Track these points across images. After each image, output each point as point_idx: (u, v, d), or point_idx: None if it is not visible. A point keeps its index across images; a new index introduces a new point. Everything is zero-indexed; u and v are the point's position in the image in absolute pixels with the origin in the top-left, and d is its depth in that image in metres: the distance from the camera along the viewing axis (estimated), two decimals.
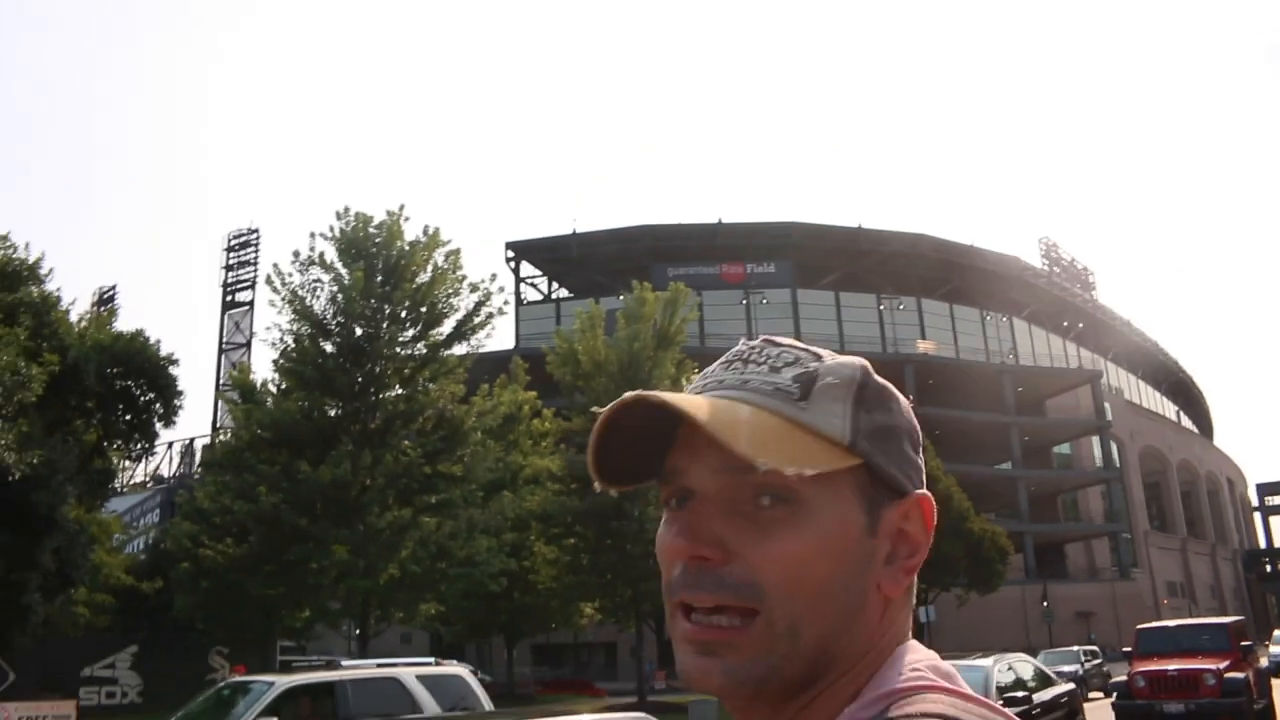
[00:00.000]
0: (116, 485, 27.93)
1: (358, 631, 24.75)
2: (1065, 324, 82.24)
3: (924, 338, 71.18)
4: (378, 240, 25.02)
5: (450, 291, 25.01)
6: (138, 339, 24.08)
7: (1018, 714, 12.15)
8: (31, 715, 16.08)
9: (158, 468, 60.58)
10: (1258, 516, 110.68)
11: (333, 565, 23.68)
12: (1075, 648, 35.04)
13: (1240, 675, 17.05)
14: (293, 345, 24.75)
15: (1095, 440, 73.94)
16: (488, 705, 12.12)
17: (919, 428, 0.89)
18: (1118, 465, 69.50)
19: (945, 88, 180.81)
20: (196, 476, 49.10)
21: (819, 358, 0.85)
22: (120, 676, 28.63)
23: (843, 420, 0.81)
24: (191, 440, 60.38)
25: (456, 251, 25.19)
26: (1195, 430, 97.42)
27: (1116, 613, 62.62)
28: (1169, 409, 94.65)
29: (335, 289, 24.95)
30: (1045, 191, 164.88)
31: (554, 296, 73.20)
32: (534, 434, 34.08)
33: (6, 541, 15.72)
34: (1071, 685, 15.46)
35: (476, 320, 25.42)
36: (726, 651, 0.78)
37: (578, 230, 70.07)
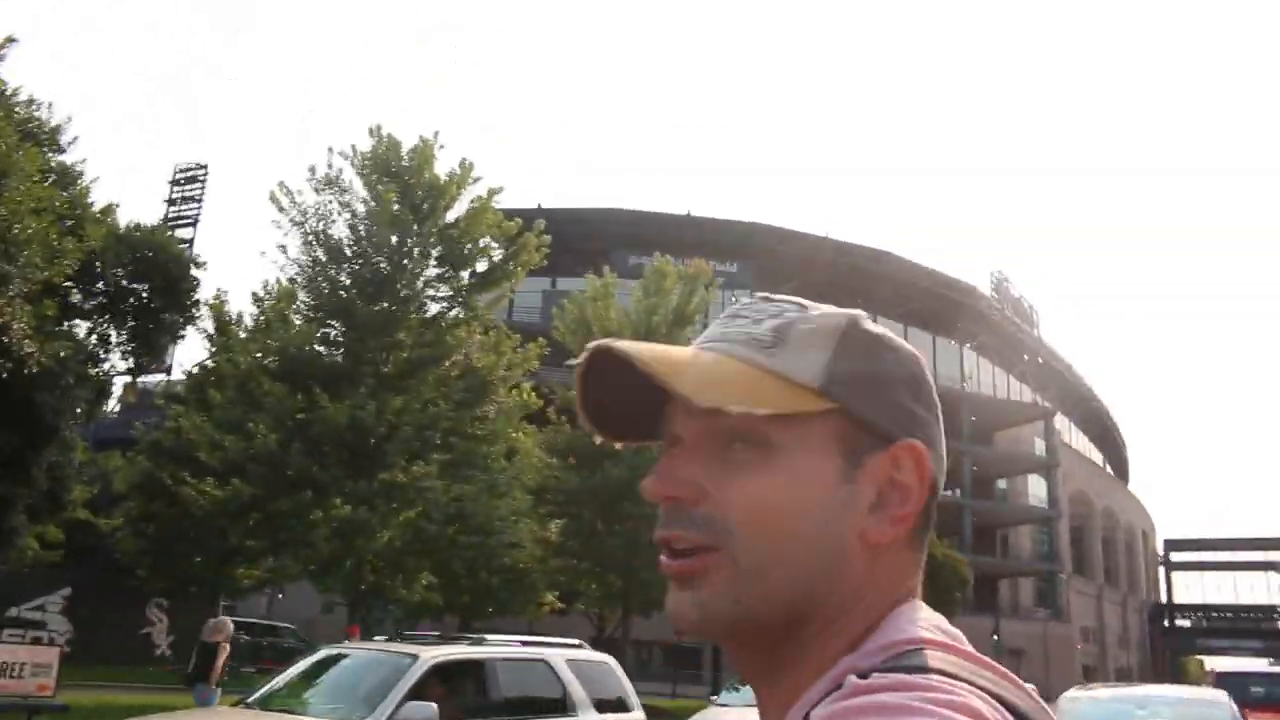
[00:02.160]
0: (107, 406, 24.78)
1: (347, 601, 22.11)
2: (1013, 360, 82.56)
3: None
4: (407, 165, 22.53)
5: (484, 230, 22.63)
6: (160, 232, 20.88)
7: None
8: (7, 661, 13.16)
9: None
10: (1161, 570, 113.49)
11: (335, 519, 21.18)
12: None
13: None
14: (304, 271, 22.10)
15: (1031, 478, 74.15)
16: (635, 701, 10.11)
17: (929, 381, 0.88)
18: (1058, 505, 69.69)
19: (922, 115, 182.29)
20: (125, 409, 45.18)
21: (804, 309, 0.85)
22: (50, 620, 25.52)
23: (816, 365, 0.80)
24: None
25: (498, 190, 22.80)
26: (1116, 478, 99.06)
27: (1046, 652, 62.50)
28: (1096, 455, 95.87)
29: (353, 214, 22.42)
30: (997, 225, 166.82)
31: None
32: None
33: (5, 445, 12.80)
34: None
35: (511, 266, 23.06)
36: (699, 584, 0.78)
37: (542, 205, 67.76)
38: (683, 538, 0.79)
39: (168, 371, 27.74)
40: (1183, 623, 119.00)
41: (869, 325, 0.86)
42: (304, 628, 44.11)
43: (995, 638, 48.73)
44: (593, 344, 0.79)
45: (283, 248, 22.36)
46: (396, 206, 21.59)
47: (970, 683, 0.68)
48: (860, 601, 0.79)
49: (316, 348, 22.06)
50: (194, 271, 21.51)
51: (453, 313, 22.45)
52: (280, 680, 9.07)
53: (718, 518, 0.78)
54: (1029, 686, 0.74)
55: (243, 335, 22.71)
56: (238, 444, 21.16)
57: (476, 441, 21.83)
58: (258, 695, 8.69)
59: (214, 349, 24.56)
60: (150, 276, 19.76)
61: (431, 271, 22.50)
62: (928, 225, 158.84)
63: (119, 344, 20.61)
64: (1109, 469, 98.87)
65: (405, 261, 21.91)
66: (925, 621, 0.78)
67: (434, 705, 7.68)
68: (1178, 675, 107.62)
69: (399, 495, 20.08)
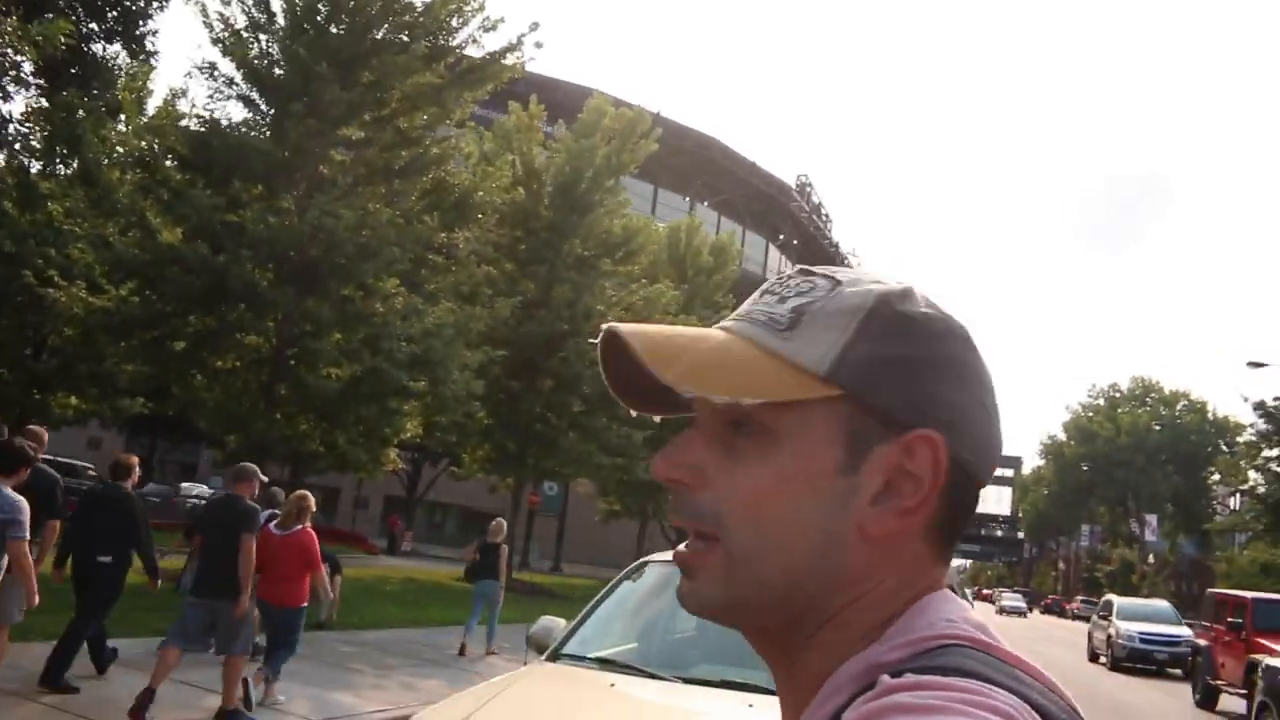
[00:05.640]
0: None
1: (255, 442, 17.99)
2: (811, 262, 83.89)
3: None
4: None
5: (472, 13, 18.61)
6: None
7: None
8: None
9: None
10: None
11: (245, 349, 17.11)
12: None
13: None
14: (233, 36, 17.34)
15: None
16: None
17: (973, 362, 0.79)
18: None
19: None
20: None
21: (837, 286, 0.79)
22: None
23: (827, 349, 0.75)
24: None
25: None
26: None
27: None
28: None
29: None
30: (803, 129, 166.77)
31: None
32: None
33: None
34: None
35: (495, 68, 19.13)
36: (697, 574, 0.78)
37: None
38: (689, 526, 0.78)
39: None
40: None
41: (903, 304, 0.77)
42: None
43: None
44: (605, 326, 0.77)
45: (201, 4, 17.47)
46: None
47: (1003, 685, 0.64)
48: (865, 594, 0.75)
49: (244, 132, 17.50)
50: None
51: (425, 111, 18.29)
52: (613, 611, 5.58)
53: (714, 507, 0.76)
54: (1063, 690, 0.71)
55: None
56: (132, 244, 16.62)
57: (445, 274, 18.12)
58: (572, 641, 5.25)
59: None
60: None
61: (399, 58, 18.15)
62: (749, 120, 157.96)
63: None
64: None
65: (374, 34, 17.63)
66: (956, 616, 0.73)
67: None
68: None
69: (358, 324, 16.26)
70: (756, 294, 0.83)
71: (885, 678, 0.65)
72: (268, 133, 17.43)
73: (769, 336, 0.77)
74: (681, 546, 0.80)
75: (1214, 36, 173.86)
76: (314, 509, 8.59)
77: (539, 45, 19.50)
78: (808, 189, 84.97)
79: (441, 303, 17.84)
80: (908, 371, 0.75)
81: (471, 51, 19.01)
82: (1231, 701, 17.60)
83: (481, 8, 18.83)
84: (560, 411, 24.81)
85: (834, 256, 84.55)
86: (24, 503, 6.50)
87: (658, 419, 0.85)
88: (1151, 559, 66.12)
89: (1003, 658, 0.69)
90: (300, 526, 8.40)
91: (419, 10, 18.25)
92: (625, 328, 0.76)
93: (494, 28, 19.20)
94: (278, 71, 17.44)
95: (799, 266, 0.83)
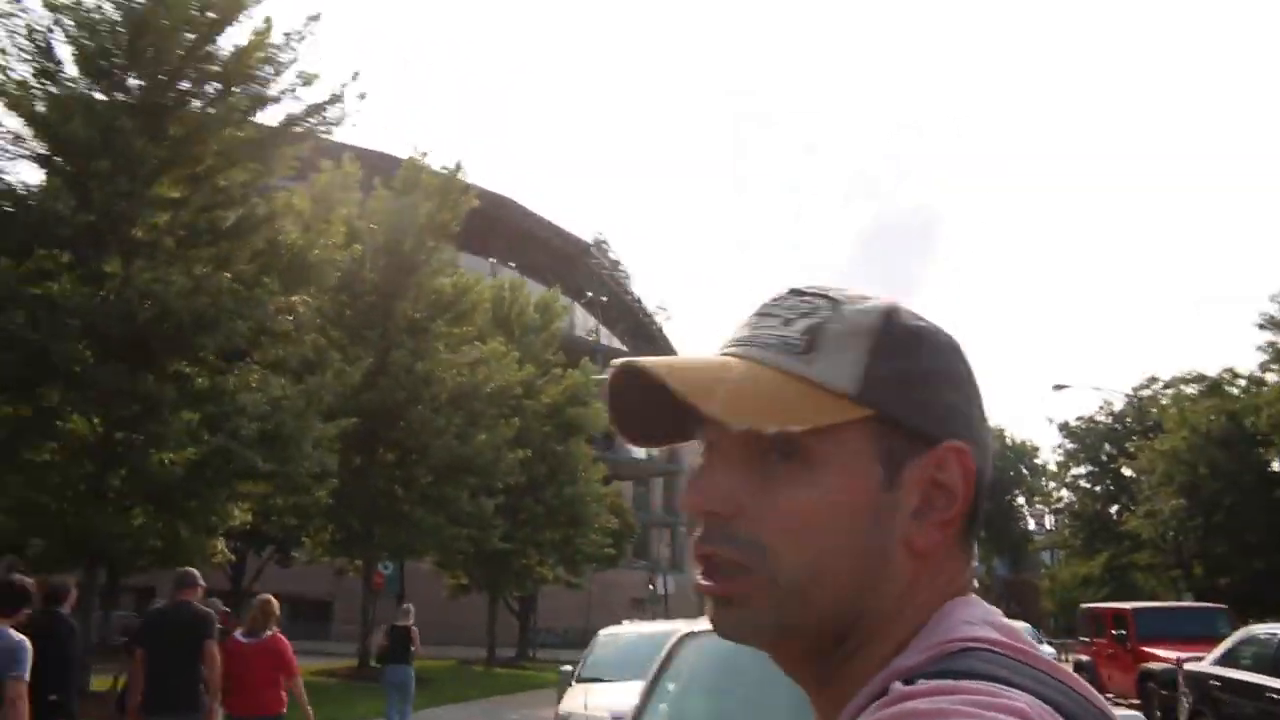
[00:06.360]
0: None
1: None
2: (614, 319, 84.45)
3: None
4: None
5: (285, 60, 17.22)
6: None
7: None
8: None
9: None
10: None
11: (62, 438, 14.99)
12: None
13: None
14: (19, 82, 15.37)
15: None
16: None
17: (967, 369, 0.81)
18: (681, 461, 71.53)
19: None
20: None
21: (837, 305, 0.79)
22: None
23: (852, 369, 0.76)
24: None
25: (315, 17, 17.33)
26: None
27: (667, 605, 63.89)
28: None
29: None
30: (594, 188, 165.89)
31: None
32: None
33: None
34: None
35: (314, 121, 17.74)
36: (741, 603, 0.76)
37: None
38: (722, 554, 0.76)
39: None
40: None
41: (906, 319, 0.79)
42: None
43: (650, 587, 48.96)
44: (619, 361, 0.77)
45: None
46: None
47: (1022, 687, 0.64)
48: (907, 607, 0.75)
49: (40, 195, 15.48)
50: None
51: (240, 167, 16.71)
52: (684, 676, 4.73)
53: (753, 536, 0.74)
54: (1093, 693, 0.69)
55: None
56: None
57: (286, 341, 16.47)
58: None
59: None
60: None
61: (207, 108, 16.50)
62: (539, 181, 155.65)
63: None
64: None
65: (179, 85, 16.01)
66: (978, 619, 0.73)
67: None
68: None
69: (202, 402, 14.49)
70: (751, 317, 0.81)
71: (897, 684, 0.65)
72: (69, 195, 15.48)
73: (789, 360, 0.76)
74: (699, 578, 0.76)
75: (974, 81, 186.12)
76: (278, 613, 8.18)
77: (362, 97, 18.30)
78: (604, 246, 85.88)
79: (279, 376, 16.23)
80: (926, 385, 0.76)
81: (290, 106, 17.62)
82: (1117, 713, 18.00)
83: (295, 60, 17.51)
84: (407, 484, 23.28)
85: (638, 311, 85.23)
86: (26, 642, 5.75)
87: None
88: (976, 583, 68.85)
89: (1027, 660, 0.68)
90: (269, 632, 8.00)
91: (225, 59, 16.78)
92: (648, 361, 0.75)
93: (310, 82, 17.92)
94: (75, 126, 15.61)
95: (789, 287, 0.82)
